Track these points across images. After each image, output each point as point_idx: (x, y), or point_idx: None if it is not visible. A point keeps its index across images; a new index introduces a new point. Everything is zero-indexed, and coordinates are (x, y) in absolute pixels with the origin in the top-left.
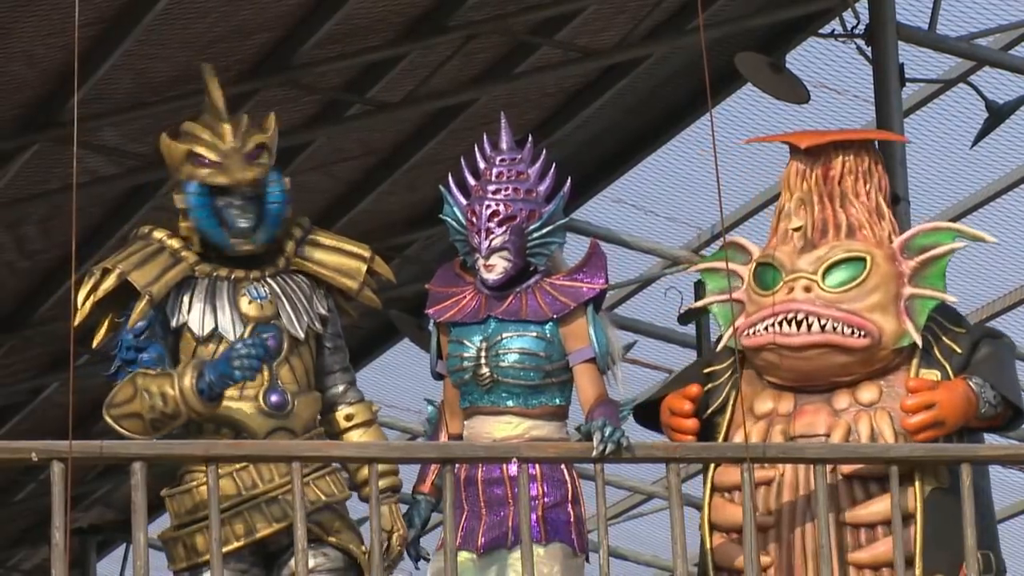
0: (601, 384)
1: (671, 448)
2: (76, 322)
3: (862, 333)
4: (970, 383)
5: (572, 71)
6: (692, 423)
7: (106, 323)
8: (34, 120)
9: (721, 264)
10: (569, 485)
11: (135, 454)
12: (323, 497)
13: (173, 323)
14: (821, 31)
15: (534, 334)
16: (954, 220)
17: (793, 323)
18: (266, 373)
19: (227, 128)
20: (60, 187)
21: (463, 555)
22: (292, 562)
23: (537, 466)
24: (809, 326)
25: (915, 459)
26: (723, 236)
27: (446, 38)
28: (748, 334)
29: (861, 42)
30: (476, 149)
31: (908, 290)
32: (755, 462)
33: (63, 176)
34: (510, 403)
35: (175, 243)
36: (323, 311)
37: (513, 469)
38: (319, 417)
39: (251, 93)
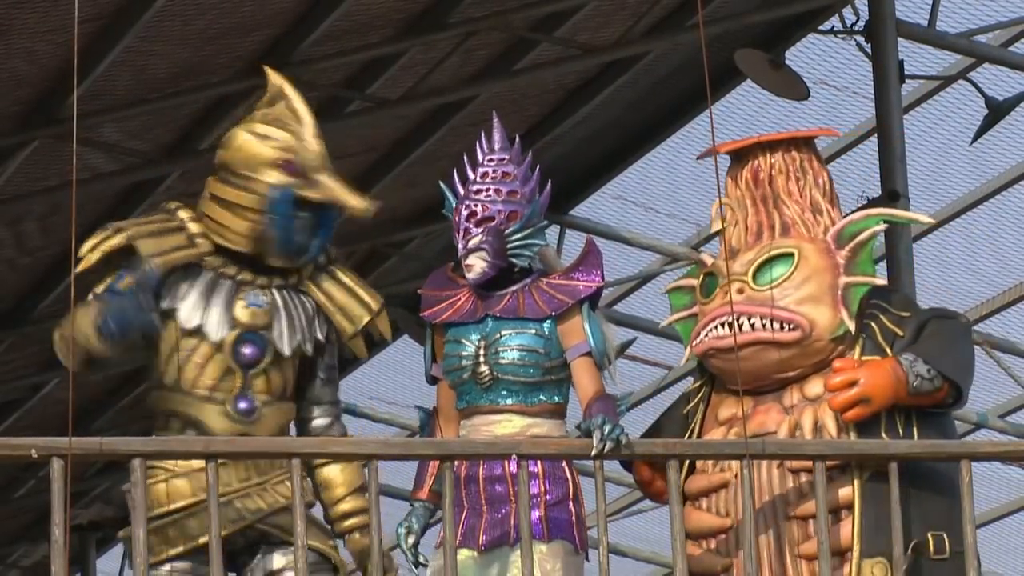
0: (599, 378)
1: (671, 445)
2: (77, 269)
3: (791, 326)
4: (899, 359)
5: (572, 68)
6: (659, 485)
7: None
8: (34, 117)
9: (684, 283)
10: (570, 483)
11: (134, 451)
12: (281, 500)
13: (164, 304)
14: (821, 28)
15: (533, 331)
16: (953, 217)
17: (726, 326)
18: (239, 380)
19: (322, 143)
20: (60, 184)
21: (464, 553)
22: (264, 562)
23: (539, 464)
24: (740, 327)
25: (915, 455)
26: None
27: (446, 35)
28: (694, 344)
29: (861, 39)
30: (477, 145)
31: (843, 279)
32: (754, 459)
33: (63, 173)
34: (509, 401)
35: (195, 227)
36: (320, 337)
37: (514, 466)
38: (292, 429)
39: (251, 90)
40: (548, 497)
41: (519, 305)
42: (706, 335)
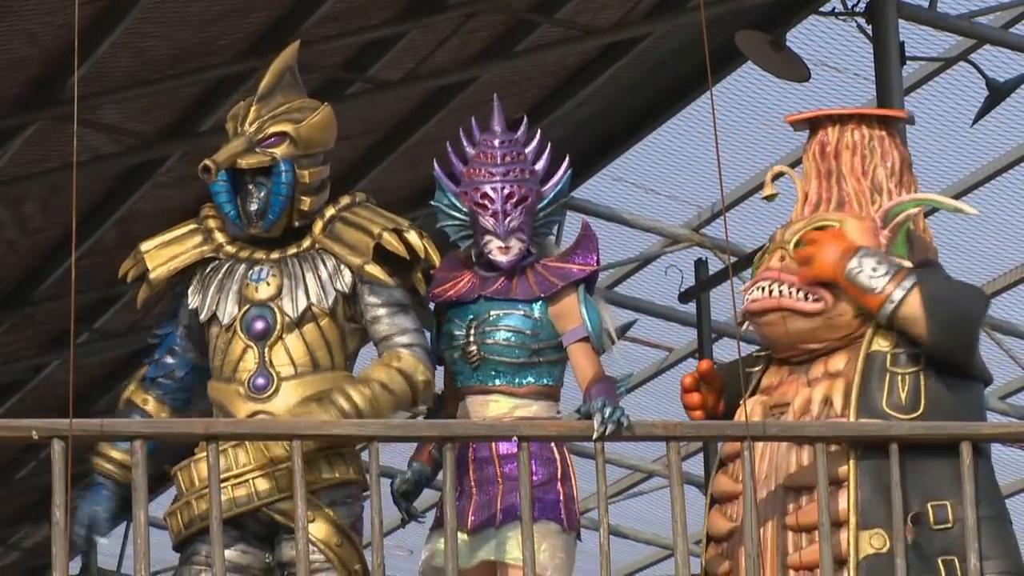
0: (597, 361)
1: (671, 426)
2: (139, 306)
3: (815, 297)
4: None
5: (572, 49)
6: (695, 398)
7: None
8: (34, 98)
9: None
10: (559, 463)
11: (135, 432)
12: (278, 493)
13: (190, 305)
14: (822, 9)
15: (521, 312)
16: (954, 198)
17: (758, 290)
18: (256, 356)
19: (252, 110)
20: (60, 165)
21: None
22: (278, 552)
23: (526, 445)
24: (769, 292)
25: (915, 437)
26: (723, 214)
27: (446, 16)
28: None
29: (862, 20)
30: (463, 134)
31: None
32: (755, 440)
33: (63, 154)
34: (497, 381)
35: (212, 223)
36: (344, 288)
37: (503, 447)
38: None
39: (250, 72)
40: (535, 478)
41: (511, 286)
42: (746, 298)
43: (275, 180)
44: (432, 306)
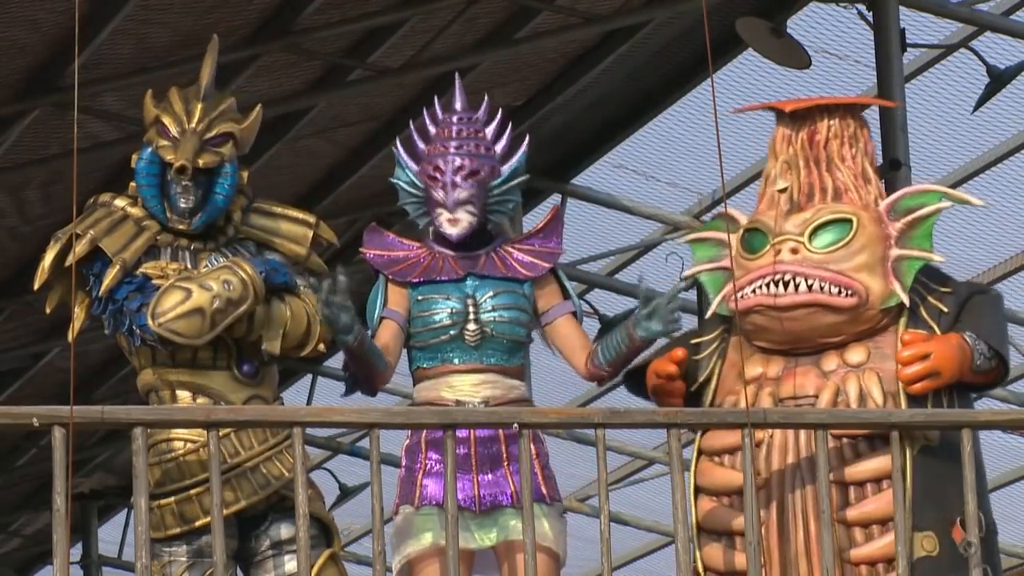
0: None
1: (672, 413)
2: (37, 285)
3: (849, 292)
4: (964, 336)
5: (573, 36)
6: (679, 385)
7: (60, 290)
8: (35, 85)
9: (709, 234)
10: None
11: (136, 419)
12: (287, 473)
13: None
14: None
15: (519, 292)
16: (955, 185)
17: (780, 284)
18: (232, 345)
19: (198, 107)
20: (61, 152)
21: (436, 510)
22: (271, 531)
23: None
24: (796, 286)
25: (916, 424)
26: (724, 201)
27: (447, 3)
28: (737, 298)
29: (862, 7)
30: (426, 113)
31: (895, 252)
32: (756, 427)
33: (64, 141)
34: (494, 360)
35: (138, 212)
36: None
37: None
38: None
39: (252, 58)
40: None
41: (498, 266)
42: (753, 291)
43: (220, 181)
44: (384, 286)
